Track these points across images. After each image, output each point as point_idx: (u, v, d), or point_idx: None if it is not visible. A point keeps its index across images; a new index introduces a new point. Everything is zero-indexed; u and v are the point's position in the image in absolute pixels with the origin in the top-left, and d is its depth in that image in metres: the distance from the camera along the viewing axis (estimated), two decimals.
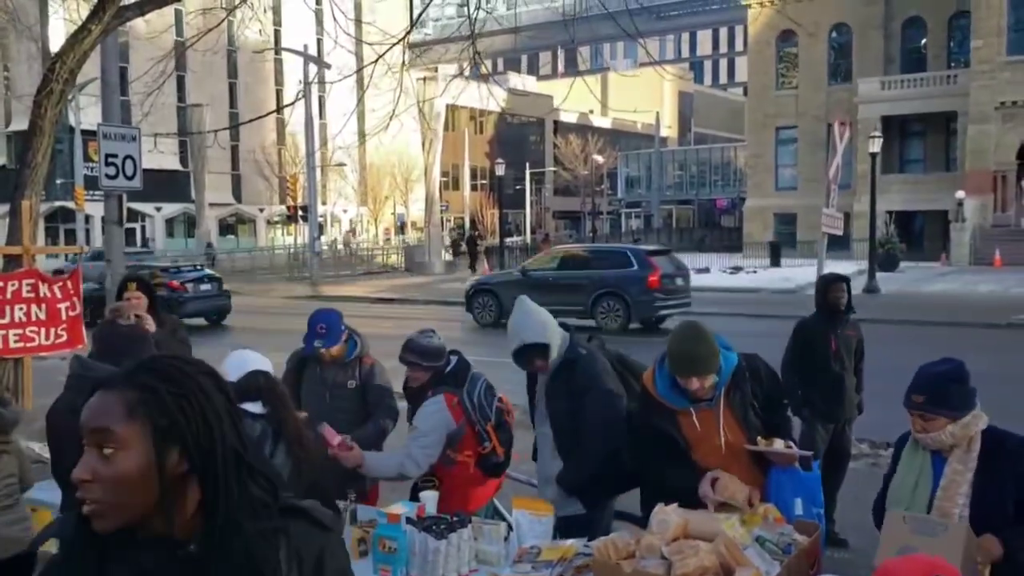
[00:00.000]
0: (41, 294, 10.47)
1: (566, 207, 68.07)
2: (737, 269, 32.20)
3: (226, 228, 51.81)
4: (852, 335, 6.33)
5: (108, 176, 12.51)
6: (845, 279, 6.37)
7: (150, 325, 5.40)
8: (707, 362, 3.46)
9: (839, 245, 34.06)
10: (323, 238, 40.26)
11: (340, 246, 45.88)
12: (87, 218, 41.62)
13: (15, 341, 10.27)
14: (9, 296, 9.94)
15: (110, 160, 12.52)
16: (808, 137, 41.72)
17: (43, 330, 10.36)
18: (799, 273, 28.25)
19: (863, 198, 32.74)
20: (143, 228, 47.82)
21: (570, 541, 3.43)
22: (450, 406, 4.33)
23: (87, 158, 42.22)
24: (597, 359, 4.07)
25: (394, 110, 7.41)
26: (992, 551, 2.97)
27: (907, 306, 20.58)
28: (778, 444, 3.52)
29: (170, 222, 49.15)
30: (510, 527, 3.70)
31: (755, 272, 31.05)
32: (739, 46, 79.84)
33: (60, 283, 10.83)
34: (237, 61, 50.63)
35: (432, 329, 4.69)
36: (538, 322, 4.10)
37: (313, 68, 29.07)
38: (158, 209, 47.68)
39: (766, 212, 43.36)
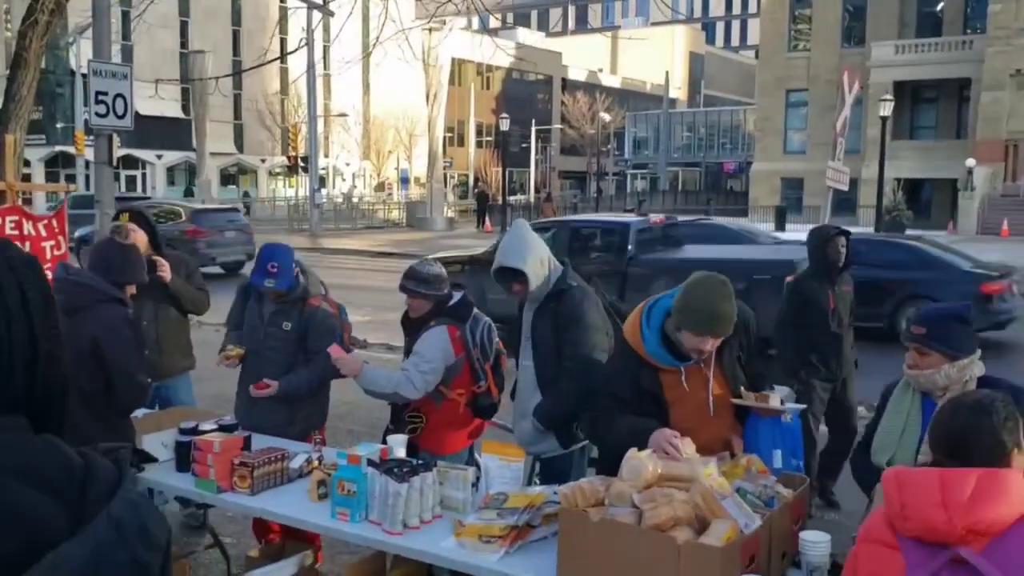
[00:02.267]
0: (25, 232, 10.20)
1: (572, 167, 67.49)
2: None
3: (227, 178, 51.41)
4: (848, 291, 6.07)
5: (98, 114, 12.16)
6: (845, 233, 6.10)
7: (165, 271, 5.12)
8: (729, 322, 3.14)
9: (844, 209, 33.76)
10: (324, 191, 39.90)
11: (345, 200, 45.53)
12: (87, 163, 41.33)
13: None
14: None
15: (100, 98, 12.17)
16: (819, 101, 41.02)
17: None
18: (804, 238, 27.92)
19: (872, 164, 32.29)
20: (144, 175, 47.45)
21: (539, 488, 3.23)
22: (452, 338, 4.16)
23: (88, 102, 41.72)
24: (588, 294, 3.88)
25: (379, 35, 7.11)
26: None
27: None
28: (774, 399, 3.30)
29: (171, 170, 48.74)
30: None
31: None
32: (752, 7, 78.59)
33: (45, 221, 10.57)
34: (241, 8, 49.93)
35: (434, 259, 4.52)
36: (521, 247, 3.90)
37: (316, 15, 28.48)
38: (159, 157, 47.28)
39: (773, 176, 42.86)
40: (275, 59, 36.92)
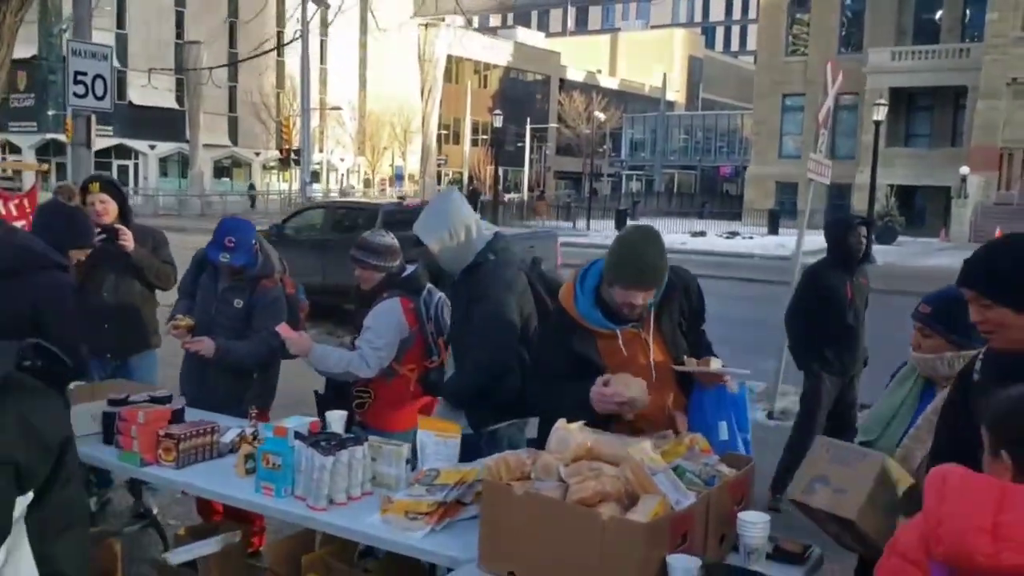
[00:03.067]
0: None
1: (568, 167, 67.34)
2: (733, 234, 31.84)
3: (221, 171, 51.16)
4: (865, 284, 5.87)
5: (76, 95, 11.97)
6: (868, 222, 5.89)
7: (127, 240, 4.85)
8: (658, 273, 3.02)
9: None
10: (316, 186, 39.69)
11: (339, 195, 45.29)
12: None
13: None
14: None
15: (79, 78, 11.98)
16: (815, 106, 40.80)
17: None
18: (795, 241, 27.83)
19: (865, 169, 32.16)
20: (136, 166, 47.18)
21: (471, 464, 3.07)
22: (404, 310, 4.00)
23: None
24: (503, 268, 3.60)
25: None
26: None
27: (902, 277, 20.19)
28: (715, 363, 3.13)
29: (164, 161, 48.47)
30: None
31: (751, 238, 30.65)
32: (752, 13, 78.53)
33: (16, 200, 10.44)
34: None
35: (387, 230, 4.36)
36: (430, 217, 3.68)
37: (312, 6, 28.30)
38: (152, 147, 47.03)
39: (768, 180, 42.77)
40: (268, 51, 36.77)
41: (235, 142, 51.83)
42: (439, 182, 48.54)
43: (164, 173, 48.58)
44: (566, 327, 3.12)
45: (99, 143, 43.69)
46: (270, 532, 4.23)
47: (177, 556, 3.21)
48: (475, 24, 67.42)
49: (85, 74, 12.07)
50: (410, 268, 4.23)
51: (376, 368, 3.92)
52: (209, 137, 44.36)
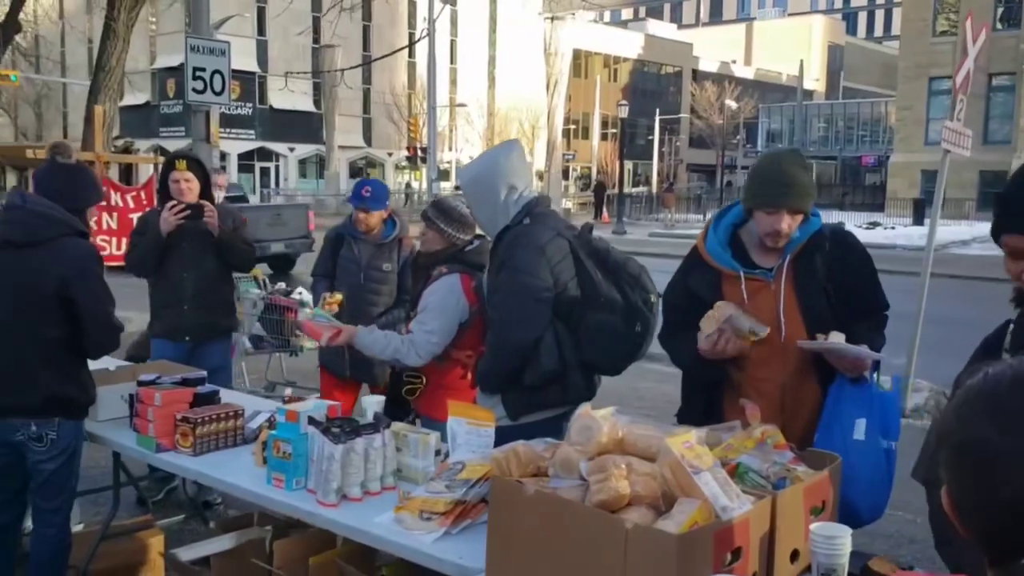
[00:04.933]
0: (113, 203, 10.29)
1: (701, 160, 65.67)
2: (874, 224, 30.11)
3: (356, 171, 52.27)
4: None
5: (195, 91, 12.15)
6: None
7: (212, 217, 4.73)
8: (806, 190, 2.68)
9: (989, 203, 31.29)
10: (444, 184, 39.93)
11: None
12: (223, 155, 42.79)
13: None
14: None
15: (198, 74, 12.16)
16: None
17: (115, 239, 10.17)
18: (942, 232, 25.93)
19: (1022, 154, 29.84)
20: (276, 168, 48.79)
21: None
22: (465, 289, 3.61)
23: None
24: (533, 232, 3.15)
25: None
26: None
27: None
28: (835, 337, 2.64)
29: (303, 163, 49.93)
30: None
31: (893, 228, 28.88)
32: None
33: (133, 193, 10.64)
34: (372, 3, 50.71)
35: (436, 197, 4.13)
36: (474, 163, 3.34)
37: (438, 5, 28.38)
38: (291, 149, 48.51)
39: (913, 168, 40.28)
40: (398, 50, 37.29)
41: (369, 143, 52.91)
42: (566, 177, 48.15)
43: (303, 174, 50.07)
44: (691, 266, 2.88)
45: (241, 146, 45.60)
46: None
47: (187, 552, 2.92)
48: (606, 17, 66.71)
49: (203, 70, 12.24)
50: (475, 243, 3.83)
51: (427, 356, 3.54)
52: (344, 139, 45.39)
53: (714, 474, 2.00)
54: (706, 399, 2.84)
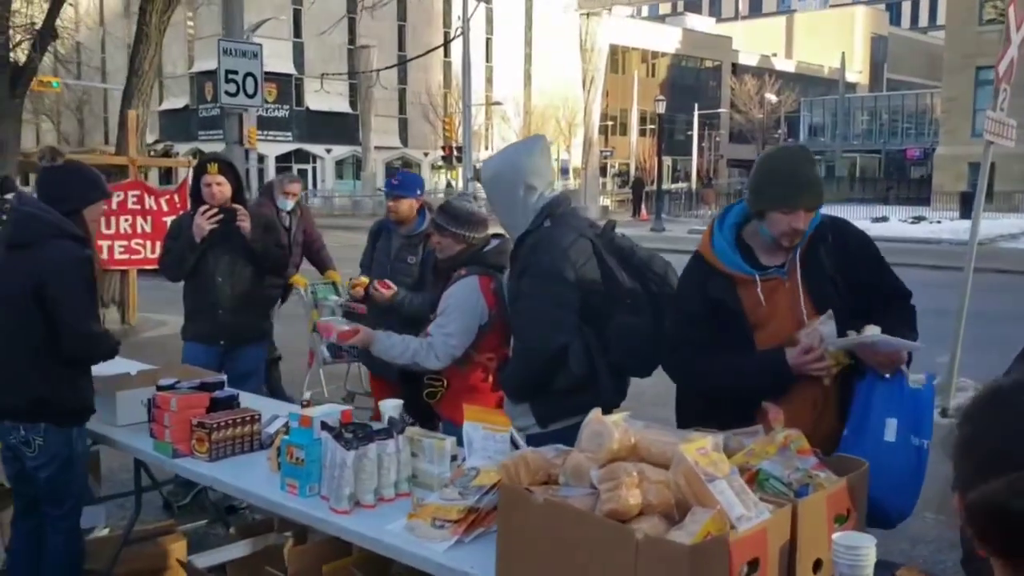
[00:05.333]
0: (147, 206, 10.38)
1: (741, 155, 64.96)
2: (919, 219, 29.51)
3: (392, 172, 52.61)
4: None
5: (228, 93, 12.25)
6: None
7: (245, 220, 4.71)
8: (820, 188, 2.66)
9: None
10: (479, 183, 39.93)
11: None
12: (261, 157, 43.16)
13: (120, 253, 10.25)
14: (115, 207, 9.86)
15: (230, 77, 12.26)
16: (1014, 78, 37.43)
17: (149, 243, 10.28)
18: (989, 225, 25.39)
19: None
20: (314, 169, 49.13)
21: None
22: (484, 290, 3.53)
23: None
24: (554, 236, 3.06)
25: None
26: None
27: None
28: (870, 330, 2.56)
29: (340, 164, 50.24)
30: None
31: (939, 223, 28.29)
32: None
33: (167, 196, 10.73)
34: (407, 3, 50.88)
35: (475, 195, 4.05)
36: (495, 159, 3.25)
37: (472, 3, 28.36)
38: (328, 151, 48.83)
39: (959, 161, 39.43)
40: (433, 49, 37.34)
41: (405, 143, 53.10)
42: (604, 174, 47.86)
43: (340, 175, 50.37)
44: (702, 273, 2.73)
45: (278, 148, 45.96)
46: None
47: (204, 559, 2.89)
48: (644, 12, 66.29)
49: (236, 73, 12.32)
50: (494, 242, 3.77)
51: (446, 359, 3.48)
52: (380, 139, 45.56)
53: (730, 482, 1.91)
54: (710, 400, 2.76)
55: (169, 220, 11.15)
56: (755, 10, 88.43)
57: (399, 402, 3.23)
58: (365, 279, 4.64)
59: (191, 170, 5.05)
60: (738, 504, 1.87)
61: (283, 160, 46.99)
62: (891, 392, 2.60)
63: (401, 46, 49.82)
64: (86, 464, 3.47)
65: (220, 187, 4.72)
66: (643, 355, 3.13)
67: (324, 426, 2.70)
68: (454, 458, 2.79)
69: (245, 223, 4.73)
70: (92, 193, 3.48)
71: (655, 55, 63.42)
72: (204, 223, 4.66)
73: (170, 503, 4.54)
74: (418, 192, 4.82)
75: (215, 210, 4.68)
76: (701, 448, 1.96)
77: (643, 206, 35.54)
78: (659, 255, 3.27)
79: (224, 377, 3.56)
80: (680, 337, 2.79)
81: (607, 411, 3.28)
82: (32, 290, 3.16)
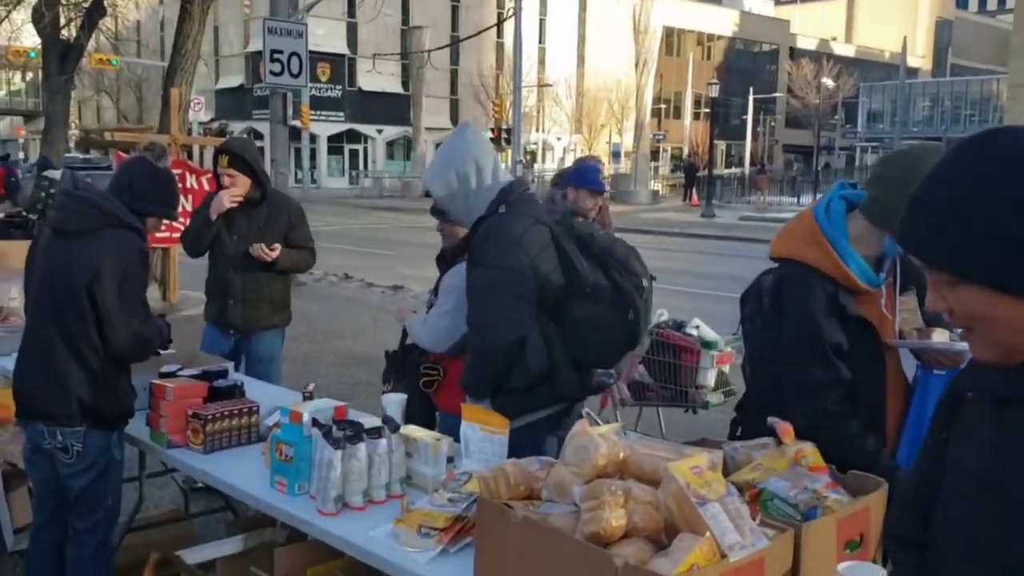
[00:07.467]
0: (188, 185, 10.39)
1: (797, 140, 63.81)
2: None
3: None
4: None
5: (272, 73, 12.25)
6: None
7: (265, 255, 4.57)
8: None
9: None
10: (535, 166, 39.64)
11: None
12: (313, 137, 43.41)
13: (162, 231, 10.29)
14: None
15: (275, 56, 12.24)
16: None
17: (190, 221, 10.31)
18: None
19: None
20: (365, 150, 49.29)
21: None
22: None
23: (314, 78, 43.65)
24: (512, 220, 2.88)
25: None
26: None
27: None
28: (939, 335, 2.44)
29: (391, 145, 50.30)
30: None
31: None
32: None
33: (208, 175, 10.74)
34: None
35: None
36: (437, 157, 3.04)
37: None
38: (379, 131, 48.90)
39: None
40: (484, 31, 37.10)
41: (455, 124, 52.96)
42: (656, 158, 47.30)
43: (390, 156, 50.44)
44: (826, 292, 2.36)
45: (330, 128, 46.17)
46: None
47: (193, 555, 2.80)
48: None
49: (281, 52, 12.30)
50: None
51: (433, 335, 3.33)
52: (431, 120, 45.51)
53: (724, 505, 1.74)
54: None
55: None
56: None
57: (402, 397, 3.11)
58: None
59: (214, 153, 4.90)
60: (732, 530, 1.71)
61: (335, 140, 47.24)
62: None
63: (454, 27, 49.65)
64: (121, 474, 3.28)
65: (232, 179, 4.57)
66: (604, 346, 2.97)
67: (314, 423, 2.59)
68: (450, 460, 2.66)
69: (265, 257, 4.59)
70: (173, 210, 3.37)
71: (711, 38, 62.43)
72: (225, 199, 4.56)
73: (183, 488, 4.48)
74: None
75: (240, 194, 4.58)
76: (695, 467, 1.79)
77: (694, 191, 35.01)
78: (622, 240, 3.08)
79: (228, 365, 3.47)
80: (827, 380, 2.38)
81: (570, 404, 3.14)
82: (85, 283, 2.98)
